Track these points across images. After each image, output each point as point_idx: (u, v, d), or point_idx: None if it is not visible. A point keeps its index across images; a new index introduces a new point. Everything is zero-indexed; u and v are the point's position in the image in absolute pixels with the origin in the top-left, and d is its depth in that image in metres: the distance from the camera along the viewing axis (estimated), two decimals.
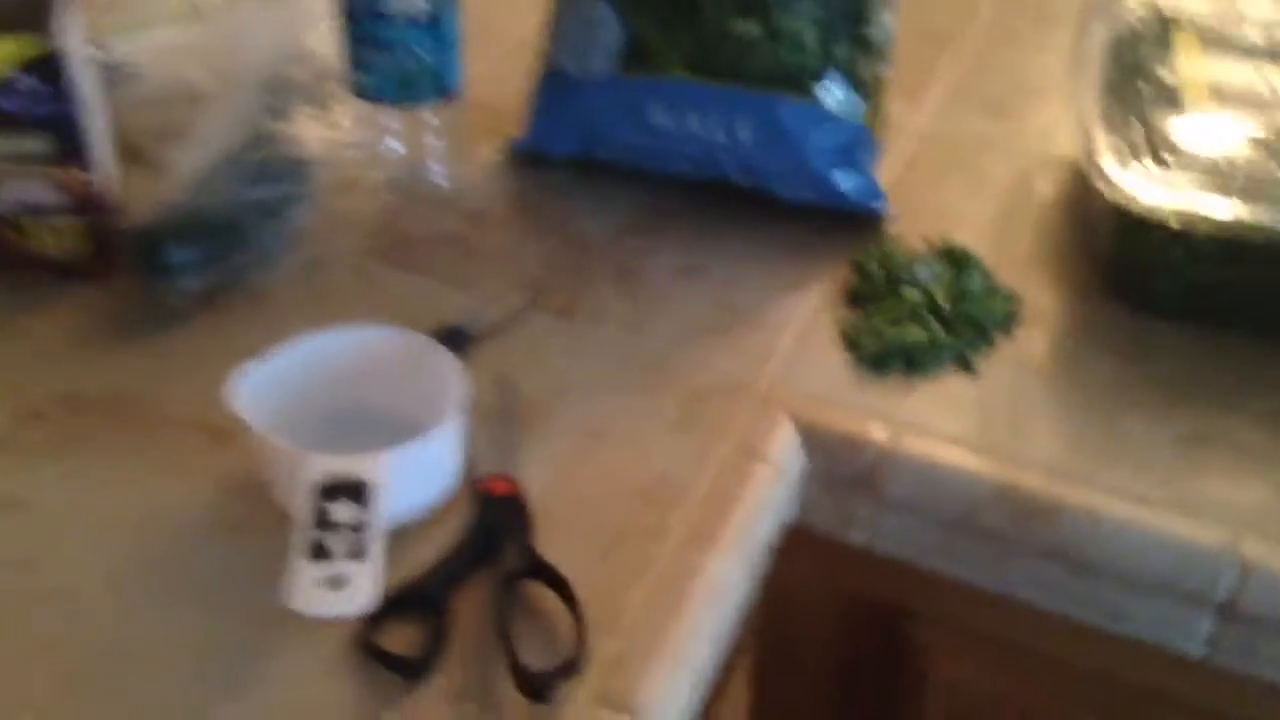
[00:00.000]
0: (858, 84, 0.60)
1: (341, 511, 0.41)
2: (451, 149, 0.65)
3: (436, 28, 0.59)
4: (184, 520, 0.46)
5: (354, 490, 0.41)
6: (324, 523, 0.40)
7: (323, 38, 0.64)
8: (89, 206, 0.56)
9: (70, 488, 0.47)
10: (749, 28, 0.58)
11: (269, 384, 0.46)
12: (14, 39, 0.51)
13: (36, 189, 0.54)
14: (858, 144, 0.61)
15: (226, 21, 0.66)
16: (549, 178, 0.67)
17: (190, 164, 0.58)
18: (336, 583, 0.39)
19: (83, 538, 0.45)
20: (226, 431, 0.49)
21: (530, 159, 0.67)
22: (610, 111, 0.62)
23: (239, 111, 0.61)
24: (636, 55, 0.61)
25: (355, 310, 0.56)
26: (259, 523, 0.46)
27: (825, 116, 0.59)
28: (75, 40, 0.54)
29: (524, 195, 0.66)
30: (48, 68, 0.52)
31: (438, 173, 0.65)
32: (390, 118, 0.64)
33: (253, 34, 0.64)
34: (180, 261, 0.55)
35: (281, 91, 0.62)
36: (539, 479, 0.48)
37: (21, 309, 0.56)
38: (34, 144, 0.53)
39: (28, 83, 0.52)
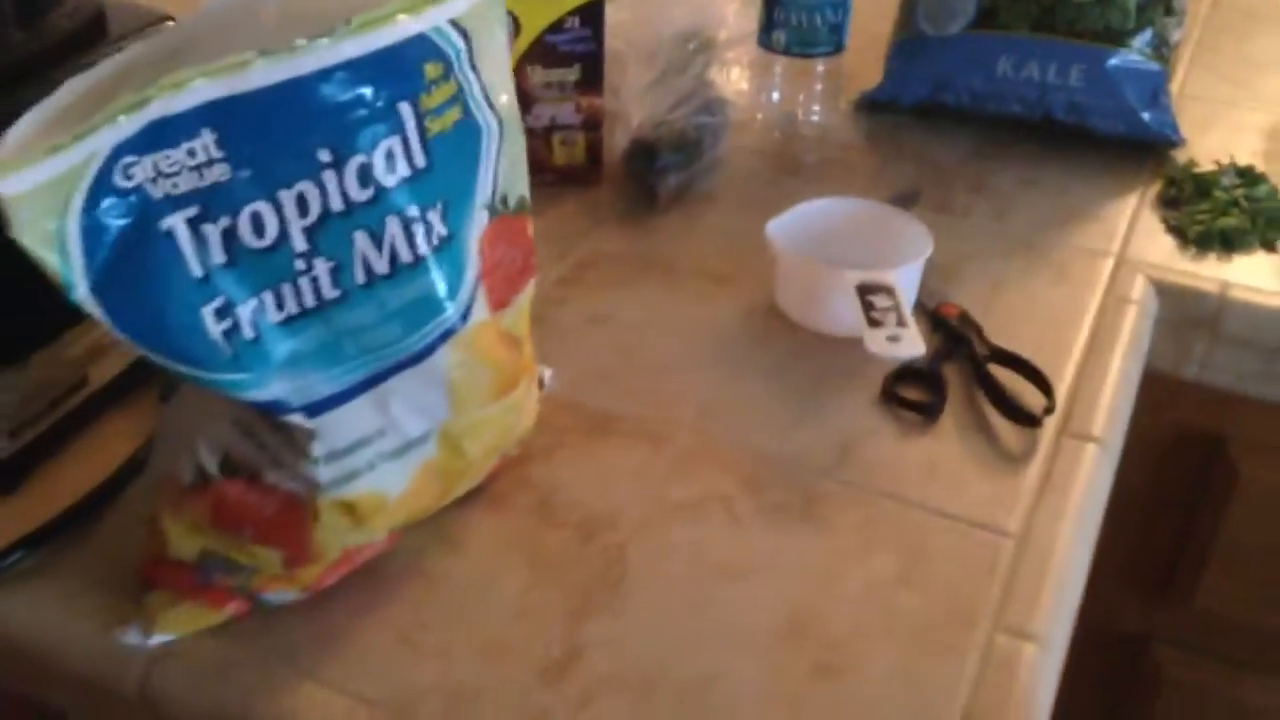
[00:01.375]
0: (1161, 41, 0.78)
1: (880, 302, 0.59)
2: (825, 95, 0.84)
3: None
4: (724, 328, 0.64)
5: (882, 290, 0.59)
6: (870, 307, 0.58)
7: (730, 7, 0.84)
8: (593, 124, 0.75)
9: (635, 307, 0.66)
10: None
11: (781, 231, 0.65)
12: None
13: (566, 110, 0.73)
14: (1159, 87, 0.78)
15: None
16: (898, 120, 0.85)
17: (653, 99, 0.77)
18: (894, 339, 0.57)
19: (658, 337, 0.64)
20: (726, 275, 0.68)
21: (878, 106, 0.86)
22: (961, 63, 0.80)
23: (674, 61, 0.80)
24: (987, 19, 0.79)
25: (781, 205, 0.75)
26: (778, 328, 0.64)
27: (1139, 65, 0.77)
28: None
29: (881, 132, 0.84)
30: (590, 12, 0.71)
31: (814, 114, 0.84)
32: (779, 72, 0.82)
33: (673, 8, 0.84)
34: (668, 165, 0.73)
35: (705, 46, 0.81)
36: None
37: (544, 202, 0.75)
38: (570, 74, 0.72)
39: (574, 24, 0.71)
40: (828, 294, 0.61)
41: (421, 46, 0.44)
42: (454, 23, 0.45)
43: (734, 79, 0.85)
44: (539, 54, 0.71)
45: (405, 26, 0.43)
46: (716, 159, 0.78)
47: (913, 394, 0.59)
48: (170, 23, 0.54)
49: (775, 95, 0.83)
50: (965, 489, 0.54)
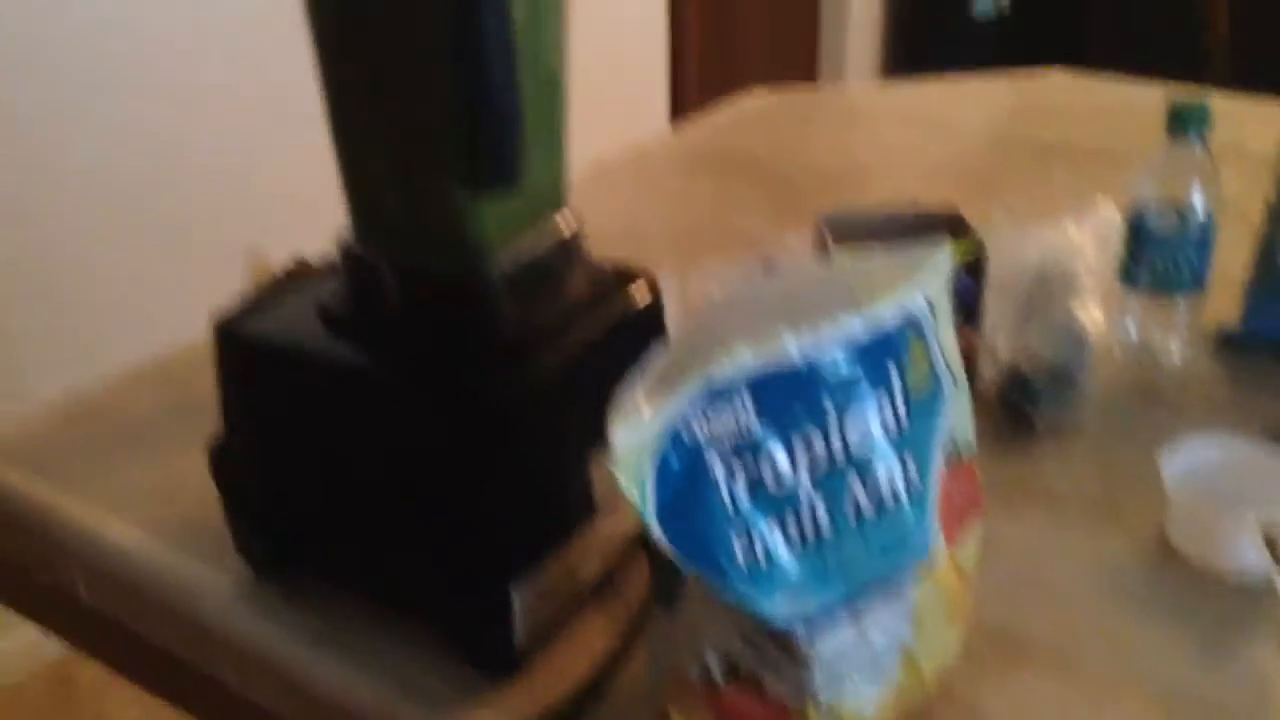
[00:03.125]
0: None
1: None
2: (1185, 329, 0.88)
3: (1205, 241, 0.83)
4: (1117, 560, 0.68)
5: None
6: (1277, 548, 0.61)
7: (1086, 240, 0.90)
8: (967, 355, 0.82)
9: (1026, 533, 0.71)
10: None
11: (1174, 467, 0.68)
12: (968, 242, 0.79)
13: None
14: None
15: (1005, 237, 0.94)
16: (1259, 356, 0.88)
17: (1020, 332, 0.84)
18: None
19: (1053, 565, 0.68)
20: (1110, 507, 0.72)
21: (1236, 343, 0.89)
22: None
23: (1037, 296, 0.87)
24: None
25: (1151, 436, 0.78)
26: (1173, 564, 0.67)
27: None
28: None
29: (1243, 368, 0.87)
30: (974, 266, 0.79)
31: (1174, 347, 0.88)
32: (1137, 307, 0.87)
33: (1028, 245, 0.91)
34: (1042, 394, 0.79)
35: (1066, 282, 0.87)
36: None
37: None
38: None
39: (960, 273, 0.79)
40: (1229, 535, 0.65)
41: (907, 321, 0.52)
42: (927, 299, 0.54)
43: (1092, 311, 0.90)
44: None
45: (899, 305, 0.52)
46: (1084, 390, 0.83)
47: None
48: (652, 282, 0.65)
49: (1133, 328, 0.88)
50: None
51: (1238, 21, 2.57)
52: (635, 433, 0.46)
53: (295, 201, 1.65)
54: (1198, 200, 0.83)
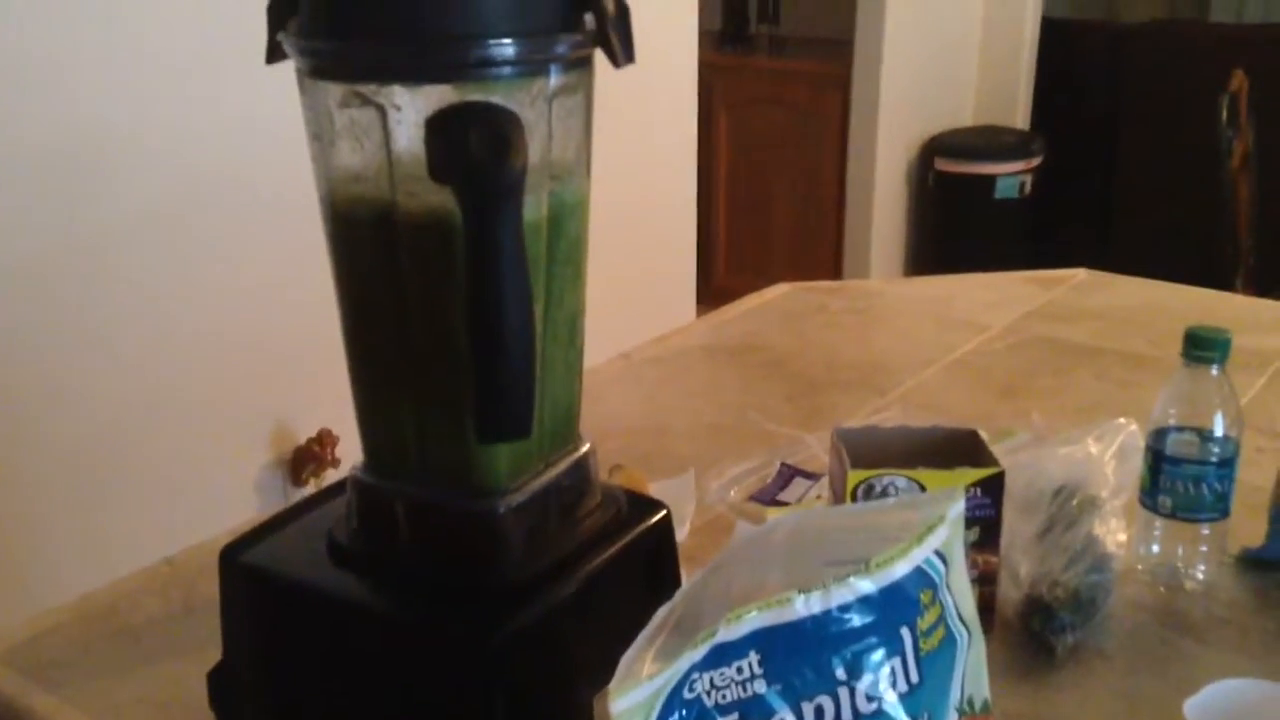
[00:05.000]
0: None
1: None
2: (1209, 551, 0.86)
3: (1228, 468, 0.82)
4: None
5: None
6: None
7: (1109, 457, 0.90)
8: (988, 579, 0.80)
9: None
10: None
11: (1198, 713, 0.66)
12: (975, 470, 0.78)
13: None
14: None
15: (1025, 453, 0.93)
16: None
17: (1042, 554, 0.82)
18: None
19: None
20: None
21: (1262, 565, 0.87)
22: None
23: (1059, 516, 0.85)
24: None
25: (1176, 668, 0.76)
26: None
27: None
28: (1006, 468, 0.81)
29: (1269, 591, 0.85)
30: (991, 484, 0.78)
31: (1198, 571, 0.86)
32: (1159, 526, 0.86)
33: (1049, 463, 0.91)
34: (1065, 624, 0.77)
35: (1089, 504, 0.86)
36: None
37: None
38: (970, 535, 0.79)
39: (976, 494, 0.78)
40: None
41: (918, 577, 0.51)
42: (938, 552, 0.53)
43: (1113, 528, 0.89)
44: None
45: (909, 561, 0.51)
46: (1106, 615, 0.81)
47: None
48: (663, 510, 0.65)
49: (1155, 548, 0.87)
50: None
51: (1261, 226, 2.61)
52: (636, 695, 0.45)
53: (321, 379, 1.67)
54: (1219, 426, 0.82)
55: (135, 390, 1.71)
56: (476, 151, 0.46)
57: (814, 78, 3.53)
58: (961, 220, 3.45)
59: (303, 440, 1.80)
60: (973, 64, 3.67)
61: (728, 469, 1.04)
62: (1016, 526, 0.86)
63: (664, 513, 0.64)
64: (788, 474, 1.04)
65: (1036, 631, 0.78)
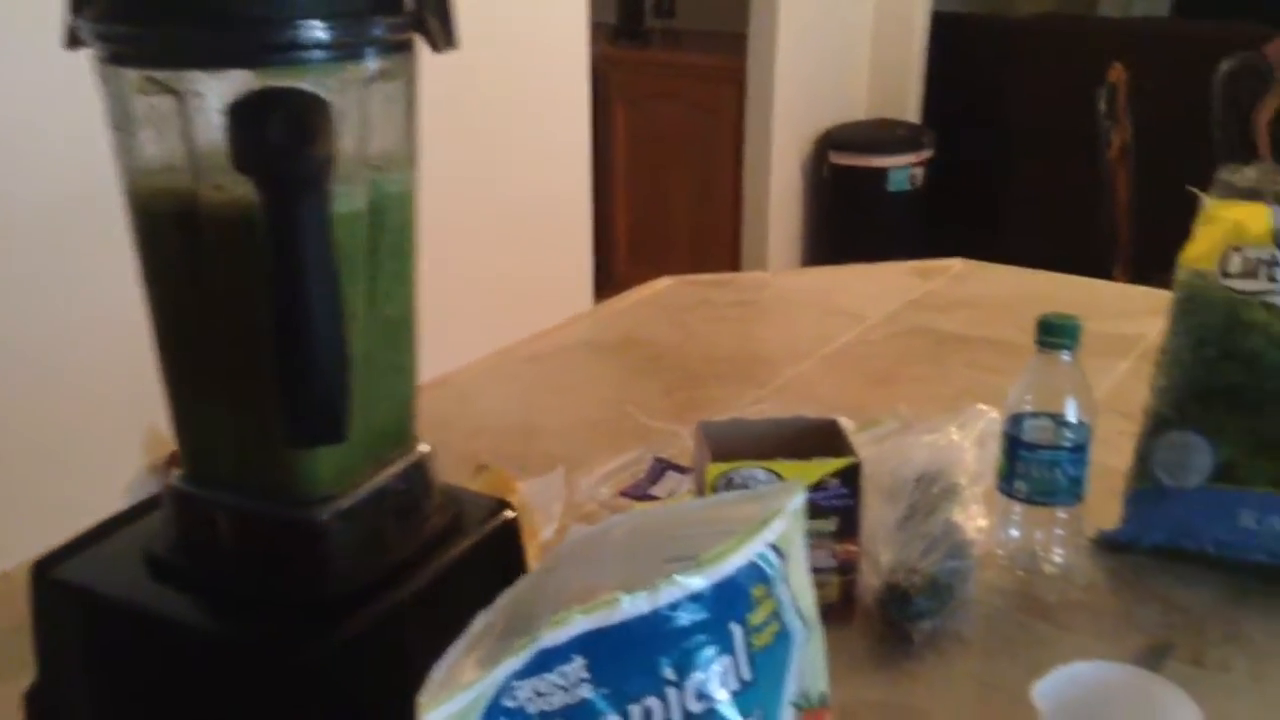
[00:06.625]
0: None
1: None
2: (1065, 535, 0.87)
3: (1081, 453, 0.84)
4: None
5: None
6: None
7: (970, 444, 0.90)
8: (848, 568, 0.80)
9: None
10: None
11: (1047, 698, 0.67)
12: (833, 460, 0.78)
13: (822, 556, 0.80)
14: None
15: (891, 441, 0.94)
16: (1137, 561, 0.87)
17: (902, 541, 0.83)
18: None
19: None
20: None
21: (1117, 546, 0.88)
22: (1201, 514, 0.83)
23: (919, 504, 0.86)
24: (1225, 473, 0.83)
25: (1031, 652, 0.77)
26: None
27: None
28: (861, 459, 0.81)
29: (1124, 573, 0.87)
30: (848, 474, 0.78)
31: (1056, 553, 0.87)
32: (1018, 511, 0.87)
33: (913, 450, 0.91)
34: (922, 611, 0.78)
35: (950, 491, 0.87)
36: None
37: None
38: (828, 525, 0.79)
39: (833, 484, 0.78)
40: None
41: (751, 572, 0.51)
42: (773, 545, 0.52)
43: (973, 515, 0.90)
44: None
45: (742, 555, 0.50)
46: (965, 601, 0.82)
47: None
48: (508, 512, 0.63)
49: (1015, 533, 0.88)
50: None
51: (1138, 216, 2.68)
52: (450, 706, 0.43)
53: None
54: (1071, 412, 0.84)
55: (2, 391, 1.64)
56: (276, 139, 0.43)
57: (709, 71, 3.54)
58: (856, 212, 3.49)
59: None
60: (865, 58, 3.72)
61: (600, 465, 1.03)
62: (880, 515, 0.86)
63: (509, 513, 0.62)
64: (659, 468, 1.03)
65: (894, 619, 0.78)
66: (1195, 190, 0.90)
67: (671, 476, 1.02)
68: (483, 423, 1.13)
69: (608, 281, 3.03)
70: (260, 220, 0.44)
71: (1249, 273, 0.84)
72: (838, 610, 0.81)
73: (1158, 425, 0.86)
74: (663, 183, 3.69)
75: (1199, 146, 2.49)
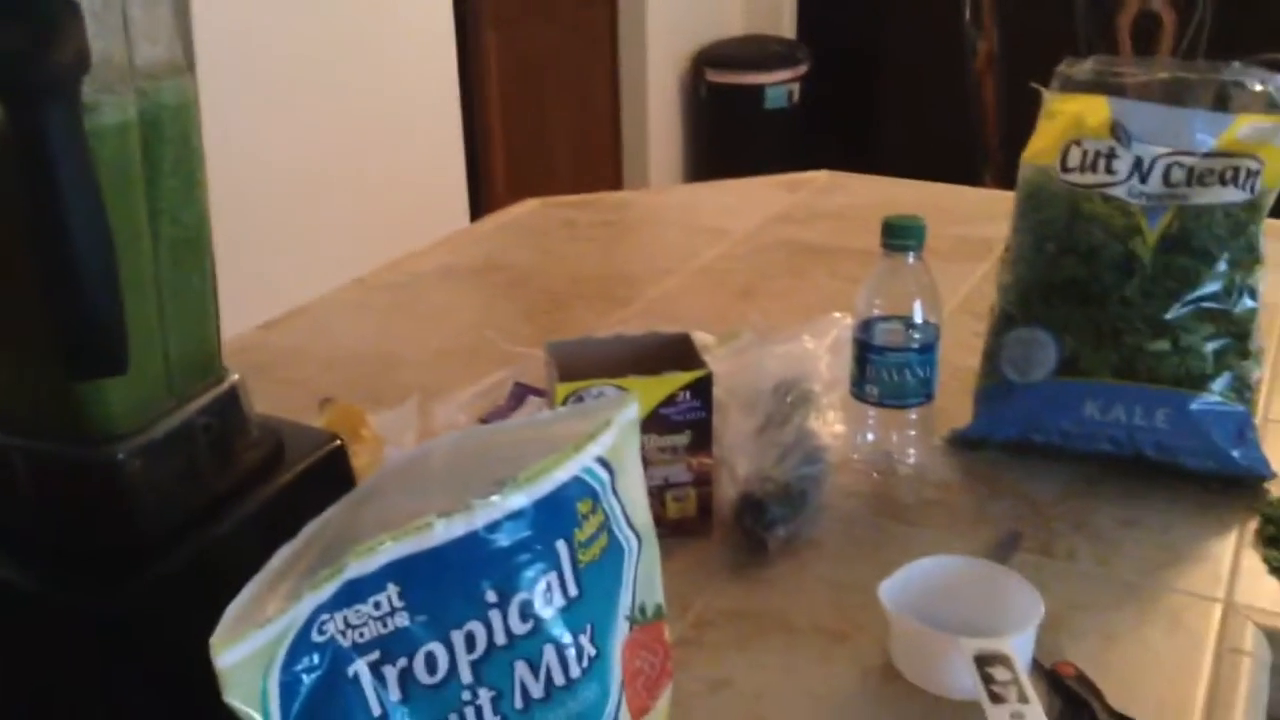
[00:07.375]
0: (1242, 384, 0.82)
1: (999, 674, 0.61)
2: (919, 436, 0.88)
3: (929, 353, 0.84)
4: (844, 690, 0.66)
5: (999, 661, 0.61)
6: (990, 680, 0.60)
7: (824, 352, 0.91)
8: (703, 481, 0.80)
9: (756, 670, 0.68)
10: (1161, 345, 0.81)
11: (893, 594, 0.67)
12: (684, 374, 0.77)
13: (678, 470, 0.79)
14: (1245, 425, 0.82)
15: (749, 353, 0.93)
16: (989, 457, 0.89)
17: (757, 451, 0.82)
18: (1018, 718, 0.58)
19: (781, 704, 0.66)
20: (841, 633, 0.70)
21: (970, 444, 0.90)
22: (1048, 407, 0.85)
23: (774, 414, 0.86)
24: (1069, 366, 0.84)
25: (885, 552, 0.78)
26: (897, 690, 0.66)
27: (1222, 407, 0.81)
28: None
29: (976, 469, 0.88)
30: (699, 387, 0.77)
31: (909, 454, 0.88)
32: (873, 415, 0.87)
33: (769, 360, 0.91)
34: (776, 518, 0.78)
35: (803, 399, 0.87)
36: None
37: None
38: (682, 439, 0.78)
39: (685, 397, 0.77)
40: (945, 661, 0.64)
41: (576, 487, 0.49)
42: (601, 459, 0.51)
43: (829, 421, 0.90)
44: (654, 425, 0.77)
45: (565, 471, 0.49)
46: (820, 506, 0.82)
47: None
48: (335, 441, 0.61)
49: (870, 436, 0.88)
50: None
51: (1009, 123, 2.72)
52: (247, 646, 0.41)
53: None
54: (918, 313, 0.84)
55: None
56: (13, 41, 0.39)
57: None
58: (734, 130, 3.47)
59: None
60: None
61: (458, 393, 1.00)
62: (739, 426, 0.86)
63: (334, 443, 0.59)
64: (521, 393, 1.01)
65: (749, 528, 0.78)
66: (1037, 86, 0.90)
67: (533, 401, 1.00)
68: (337, 355, 1.10)
69: (489, 210, 2.96)
70: (6, 136, 0.40)
71: (1088, 166, 0.84)
72: (696, 523, 0.81)
73: (1003, 323, 0.87)
74: (541, 106, 3.61)
75: (1066, 53, 2.53)
